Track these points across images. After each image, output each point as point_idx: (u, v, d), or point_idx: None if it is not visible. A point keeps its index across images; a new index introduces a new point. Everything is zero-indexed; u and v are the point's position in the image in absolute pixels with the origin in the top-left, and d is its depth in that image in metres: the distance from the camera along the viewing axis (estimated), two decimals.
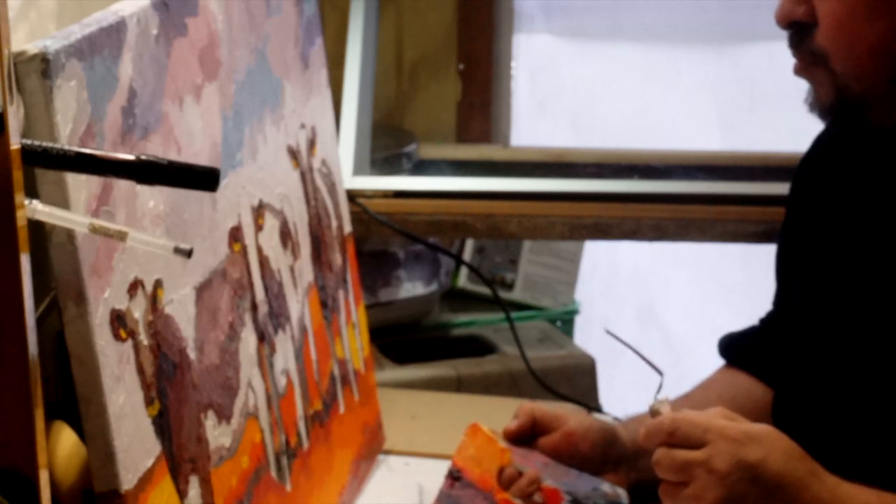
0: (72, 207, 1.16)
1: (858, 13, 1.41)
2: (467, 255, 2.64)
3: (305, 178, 1.73)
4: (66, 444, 1.24)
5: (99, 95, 1.21)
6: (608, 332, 1.60)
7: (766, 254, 2.66)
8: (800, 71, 1.49)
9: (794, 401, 1.56)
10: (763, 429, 1.35)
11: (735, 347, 1.72)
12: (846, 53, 1.43)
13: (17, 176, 1.02)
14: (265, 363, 1.53)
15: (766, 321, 1.72)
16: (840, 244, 1.53)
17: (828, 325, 1.52)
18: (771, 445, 1.33)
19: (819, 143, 1.63)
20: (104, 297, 1.20)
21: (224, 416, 1.41)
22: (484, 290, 2.56)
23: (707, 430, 1.33)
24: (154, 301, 1.29)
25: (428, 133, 2.71)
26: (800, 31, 1.47)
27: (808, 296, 1.56)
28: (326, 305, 1.76)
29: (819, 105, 1.48)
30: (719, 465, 1.32)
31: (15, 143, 1.01)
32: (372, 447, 1.86)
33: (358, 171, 2.30)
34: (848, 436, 1.48)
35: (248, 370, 1.48)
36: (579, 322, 2.71)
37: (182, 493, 1.31)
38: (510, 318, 2.20)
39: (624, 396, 2.68)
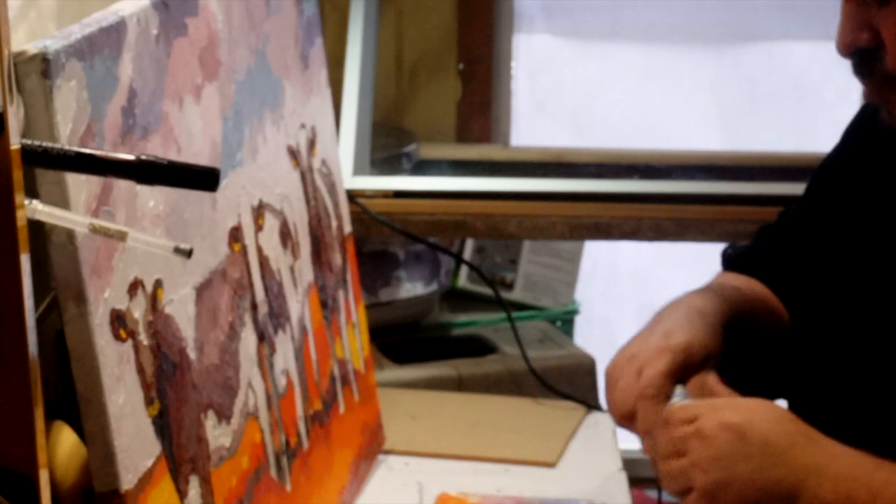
0: (72, 207, 1.16)
1: None
2: (467, 255, 2.64)
3: (305, 178, 1.73)
4: (66, 444, 1.25)
5: (99, 95, 1.21)
6: None
7: None
8: (871, 96, 1.44)
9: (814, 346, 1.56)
10: (752, 399, 1.41)
11: (744, 261, 1.71)
12: None
13: (17, 176, 1.02)
14: (265, 363, 1.53)
15: (768, 237, 1.70)
16: (873, 215, 1.52)
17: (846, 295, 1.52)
18: (757, 409, 1.38)
19: (865, 112, 1.61)
20: (104, 297, 1.20)
21: (224, 416, 1.41)
22: (484, 289, 2.56)
23: (697, 407, 1.40)
24: (154, 301, 1.29)
25: (428, 133, 2.71)
26: (866, 58, 1.40)
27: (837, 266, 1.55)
28: (326, 305, 1.76)
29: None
30: (707, 430, 1.37)
31: (15, 143, 1.01)
32: (372, 447, 1.86)
33: (358, 171, 2.30)
34: (866, 378, 1.48)
35: (248, 370, 1.48)
36: (579, 322, 2.71)
37: (182, 493, 1.31)
38: (511, 317, 2.20)
39: None
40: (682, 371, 1.49)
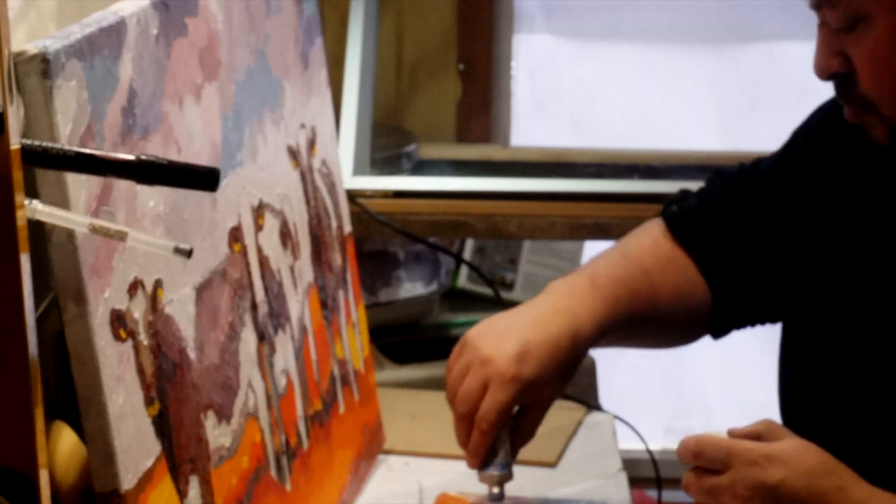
0: (72, 207, 1.16)
1: (893, 57, 1.39)
2: (467, 255, 2.64)
3: (305, 178, 1.73)
4: (66, 444, 1.25)
5: (99, 95, 1.21)
6: None
7: None
8: (852, 117, 1.47)
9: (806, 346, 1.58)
10: (788, 448, 1.38)
11: (683, 226, 1.71)
12: (891, 97, 1.41)
13: (17, 176, 1.02)
14: (265, 363, 1.53)
15: (712, 201, 1.72)
16: (839, 217, 1.54)
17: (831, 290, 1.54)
18: (793, 464, 1.36)
19: (821, 112, 1.63)
20: (104, 297, 1.20)
21: (224, 416, 1.41)
22: (484, 290, 2.55)
23: (730, 454, 1.37)
24: (154, 301, 1.29)
25: (428, 133, 2.71)
26: (842, 82, 1.44)
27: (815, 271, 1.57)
28: (326, 305, 1.76)
29: (878, 145, 1.47)
30: (742, 491, 1.36)
31: (15, 143, 1.01)
32: (372, 447, 1.86)
33: (358, 171, 2.30)
34: (859, 385, 1.49)
35: (248, 370, 1.48)
36: None
37: (182, 493, 1.31)
38: None
39: (624, 396, 2.68)
40: (523, 402, 1.57)
